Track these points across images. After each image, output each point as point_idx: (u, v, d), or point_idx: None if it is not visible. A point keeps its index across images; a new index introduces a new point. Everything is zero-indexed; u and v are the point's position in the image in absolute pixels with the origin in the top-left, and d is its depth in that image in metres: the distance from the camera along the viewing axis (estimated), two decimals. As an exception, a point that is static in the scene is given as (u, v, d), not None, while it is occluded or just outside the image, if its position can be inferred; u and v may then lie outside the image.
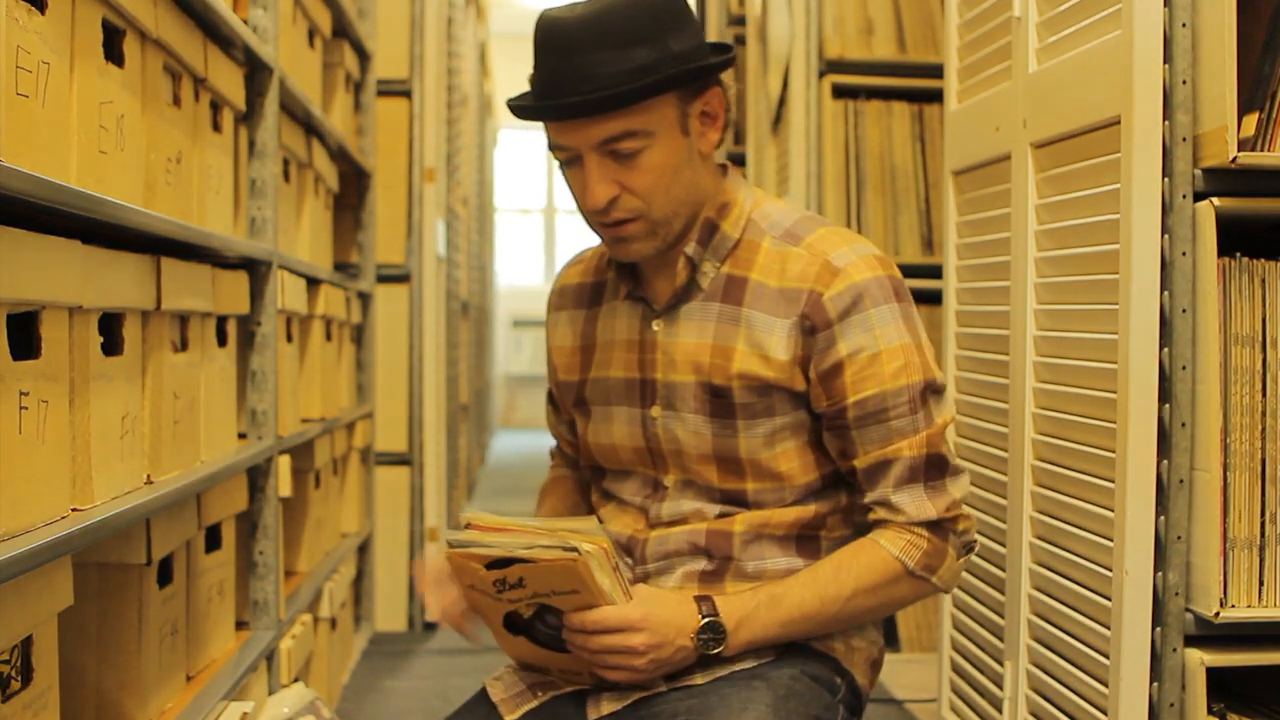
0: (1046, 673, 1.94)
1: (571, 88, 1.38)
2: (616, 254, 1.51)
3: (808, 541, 1.51)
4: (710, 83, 1.47)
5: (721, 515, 1.50)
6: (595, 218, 1.46)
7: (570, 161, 1.45)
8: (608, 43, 1.38)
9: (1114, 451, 1.71)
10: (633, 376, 1.56)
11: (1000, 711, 2.10)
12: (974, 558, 2.26)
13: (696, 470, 1.52)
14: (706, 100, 1.47)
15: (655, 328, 1.53)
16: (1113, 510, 1.71)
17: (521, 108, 1.45)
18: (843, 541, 1.50)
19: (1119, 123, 1.69)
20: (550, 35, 1.41)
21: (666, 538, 1.51)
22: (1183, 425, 1.64)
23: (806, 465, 1.50)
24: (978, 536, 1.52)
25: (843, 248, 1.47)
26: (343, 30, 3.11)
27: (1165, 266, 1.65)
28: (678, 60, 1.41)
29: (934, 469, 1.46)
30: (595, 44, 1.38)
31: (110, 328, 1.47)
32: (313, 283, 2.60)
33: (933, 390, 1.47)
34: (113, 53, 1.49)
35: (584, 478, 1.73)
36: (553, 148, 1.46)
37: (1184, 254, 1.63)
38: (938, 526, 1.46)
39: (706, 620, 1.40)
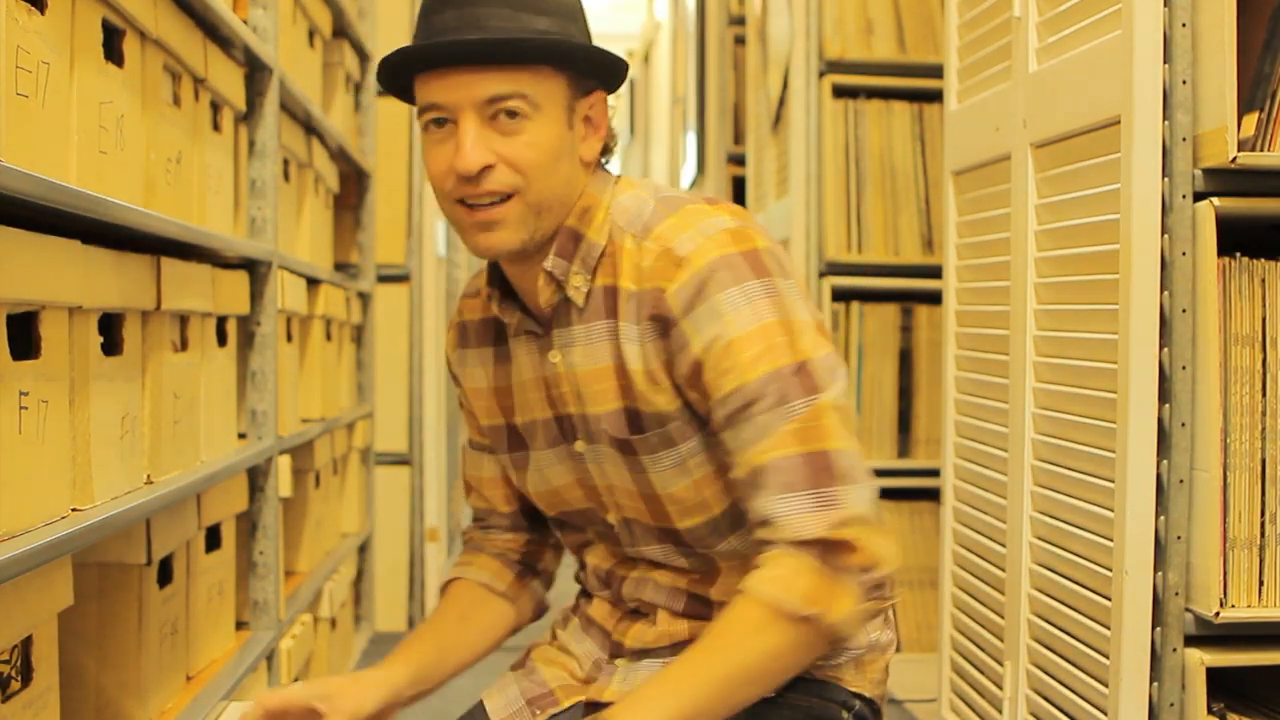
0: (1046, 673, 1.93)
1: (466, 33, 1.26)
2: (478, 244, 1.33)
3: None
4: (596, 87, 1.36)
5: (690, 568, 1.41)
6: (463, 190, 1.30)
7: (440, 122, 1.30)
8: (510, 3, 1.27)
9: (1114, 451, 1.71)
10: (548, 416, 1.43)
11: (1000, 711, 2.10)
12: (974, 558, 2.26)
13: (630, 506, 1.41)
14: (592, 103, 1.35)
15: (553, 360, 1.39)
16: (1113, 510, 1.71)
17: (400, 51, 1.29)
18: None
19: (1119, 123, 1.69)
20: None
21: (644, 583, 1.44)
22: (1182, 425, 1.64)
23: (731, 485, 1.33)
24: (887, 591, 1.25)
25: (688, 230, 1.31)
26: (343, 30, 3.11)
27: (1165, 266, 1.65)
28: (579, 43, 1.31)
29: (820, 472, 1.23)
30: (496, 1, 1.27)
31: (110, 328, 1.47)
32: (313, 283, 2.60)
33: (805, 371, 1.25)
34: (112, 53, 1.49)
35: (500, 553, 1.55)
36: (424, 109, 1.31)
37: (1184, 254, 1.63)
38: (827, 554, 1.21)
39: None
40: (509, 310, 1.42)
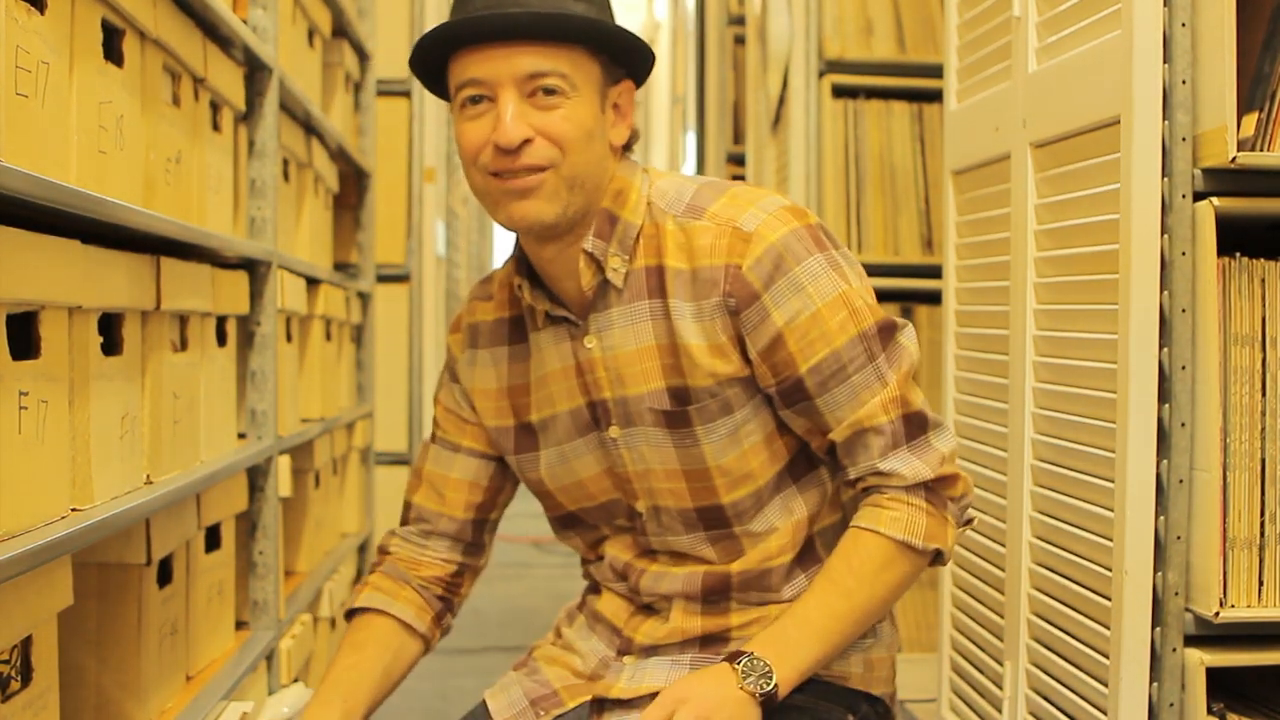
0: (1046, 673, 1.94)
1: (509, 8, 1.30)
2: (512, 214, 1.35)
3: (804, 555, 1.44)
4: (625, 76, 1.41)
5: (715, 559, 1.43)
6: (499, 163, 1.33)
7: (477, 100, 1.33)
8: None
9: (1114, 451, 1.71)
10: (579, 404, 1.44)
11: (1000, 711, 2.10)
12: (974, 557, 2.26)
13: (665, 490, 1.42)
14: (620, 92, 1.40)
15: (589, 345, 1.41)
16: (1112, 510, 1.71)
17: (442, 27, 1.32)
18: (834, 529, 1.44)
19: (1118, 123, 1.69)
20: None
21: (662, 576, 1.45)
22: (1182, 425, 1.64)
23: (775, 453, 1.41)
24: (975, 513, 1.44)
25: (749, 209, 1.36)
26: (342, 30, 3.11)
27: (1165, 266, 1.65)
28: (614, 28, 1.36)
29: (914, 427, 1.36)
30: None
31: (110, 328, 1.47)
32: (312, 283, 2.60)
33: (886, 330, 1.37)
34: (112, 53, 1.49)
35: (424, 584, 1.53)
36: (462, 86, 1.34)
37: (1183, 254, 1.63)
38: (934, 492, 1.36)
39: (736, 657, 1.30)
40: (540, 297, 1.43)
